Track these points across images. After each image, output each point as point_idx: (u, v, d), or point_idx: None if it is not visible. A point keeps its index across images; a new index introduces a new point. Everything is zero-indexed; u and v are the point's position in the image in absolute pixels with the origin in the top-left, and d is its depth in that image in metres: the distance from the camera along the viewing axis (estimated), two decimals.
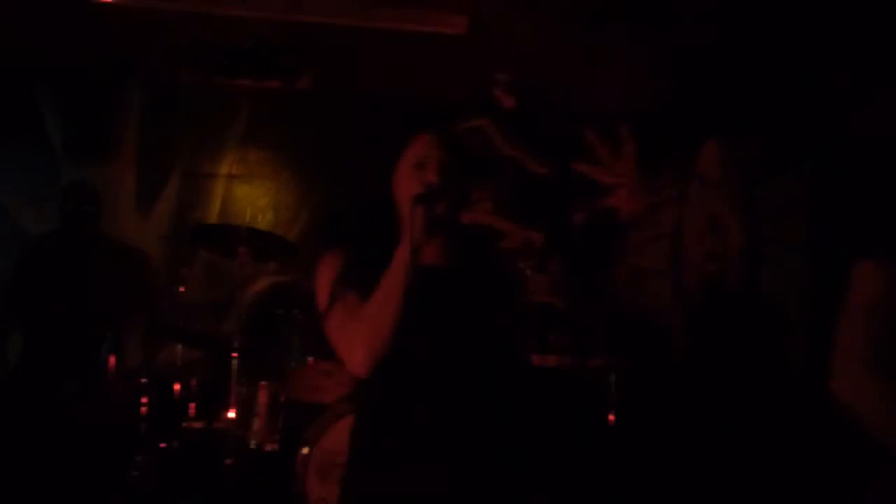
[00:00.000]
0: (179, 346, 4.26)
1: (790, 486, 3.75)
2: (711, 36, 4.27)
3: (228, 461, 3.81)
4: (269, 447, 3.93)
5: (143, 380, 4.03)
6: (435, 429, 1.94)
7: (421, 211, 1.88)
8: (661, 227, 5.45)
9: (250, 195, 5.40)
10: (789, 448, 3.84)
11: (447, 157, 1.99)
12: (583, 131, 5.51)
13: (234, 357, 3.86)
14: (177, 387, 4.21)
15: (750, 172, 4.51)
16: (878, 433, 1.95)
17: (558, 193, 5.70)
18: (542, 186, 5.65)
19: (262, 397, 3.98)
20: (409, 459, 1.88)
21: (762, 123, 4.44)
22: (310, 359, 4.08)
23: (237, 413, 3.87)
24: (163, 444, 3.99)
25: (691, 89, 4.88)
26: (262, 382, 4.01)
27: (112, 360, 4.06)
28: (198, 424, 4.04)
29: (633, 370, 4.49)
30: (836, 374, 2.00)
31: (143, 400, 3.99)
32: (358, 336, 1.91)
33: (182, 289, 4.45)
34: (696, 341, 4.84)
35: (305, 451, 3.66)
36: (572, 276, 5.52)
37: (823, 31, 3.95)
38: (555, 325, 4.59)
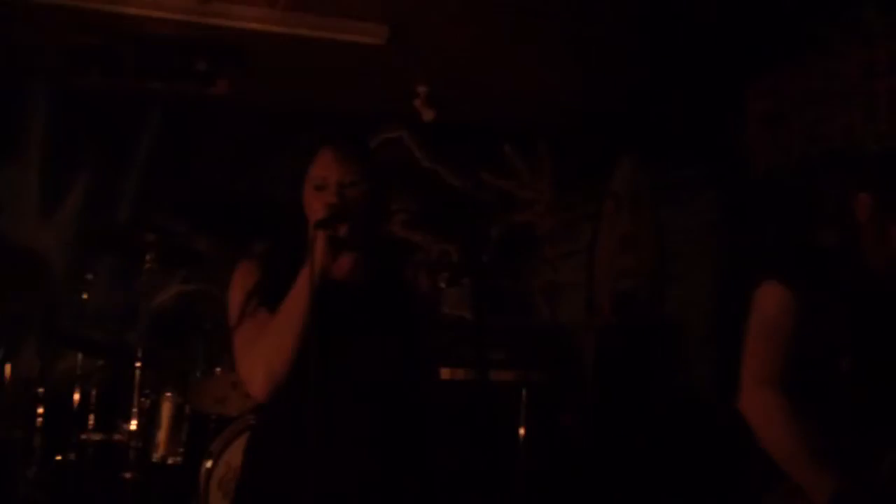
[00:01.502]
0: (80, 355, 4.11)
1: (693, 500, 3.80)
2: (627, 61, 4.35)
3: (128, 475, 3.68)
4: (171, 461, 3.81)
5: (40, 389, 3.87)
6: (338, 446, 1.89)
7: (322, 234, 1.84)
8: (577, 243, 5.53)
9: (159, 200, 5.25)
10: (692, 461, 3.90)
11: (351, 176, 1.93)
12: (502, 146, 5.58)
13: (137, 367, 3.74)
14: (76, 397, 4.06)
15: (661, 193, 4.61)
16: (777, 453, 1.98)
17: (475, 207, 5.76)
18: (460, 200, 5.70)
19: (166, 409, 3.86)
20: (308, 477, 1.83)
21: (674, 148, 4.54)
22: (217, 369, 3.98)
23: (138, 425, 3.74)
24: (59, 457, 3.83)
25: (607, 110, 4.96)
26: (166, 393, 3.89)
27: (7, 368, 3.89)
28: (96, 436, 3.90)
29: (545, 384, 4.52)
30: (741, 392, 2.04)
31: (39, 410, 3.84)
32: (260, 358, 1.85)
33: (85, 296, 4.30)
34: (607, 355, 4.90)
35: (209, 464, 3.55)
36: (487, 289, 5.56)
37: (730, 63, 4.07)
38: (468, 339, 4.59)
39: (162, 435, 3.81)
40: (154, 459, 3.81)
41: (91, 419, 3.99)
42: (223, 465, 3.54)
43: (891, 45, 3.16)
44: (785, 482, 1.98)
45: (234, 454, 3.52)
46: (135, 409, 3.74)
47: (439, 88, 4.71)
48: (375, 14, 4.05)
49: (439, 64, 4.50)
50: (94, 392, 4.01)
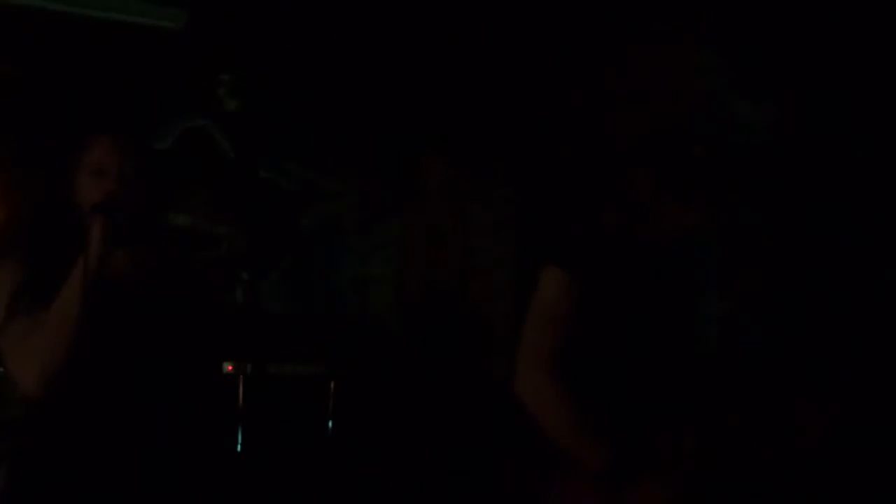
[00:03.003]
0: None
1: (491, 487, 3.91)
2: (437, 55, 4.41)
3: None
4: None
5: None
6: (115, 447, 1.85)
7: (100, 221, 1.76)
8: (386, 235, 5.54)
9: None
10: (493, 450, 4.01)
11: (130, 164, 1.86)
12: (310, 136, 5.51)
13: None
14: None
15: (467, 186, 4.71)
16: (552, 431, 2.03)
17: (283, 198, 5.65)
18: (267, 191, 5.57)
19: None
20: (83, 474, 1.78)
21: (480, 141, 4.65)
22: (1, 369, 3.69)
23: None
24: None
25: (416, 103, 5.01)
26: None
27: None
28: None
29: (353, 377, 4.52)
30: (516, 375, 2.07)
31: None
32: (33, 354, 1.77)
33: None
34: (415, 348, 4.95)
35: None
36: (295, 281, 5.48)
37: (533, 58, 4.21)
38: (276, 332, 4.51)
39: None
40: None
41: None
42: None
43: None
44: (561, 462, 2.03)
45: None
46: None
47: (244, 77, 4.59)
48: None
49: (243, 51, 4.39)
50: None
